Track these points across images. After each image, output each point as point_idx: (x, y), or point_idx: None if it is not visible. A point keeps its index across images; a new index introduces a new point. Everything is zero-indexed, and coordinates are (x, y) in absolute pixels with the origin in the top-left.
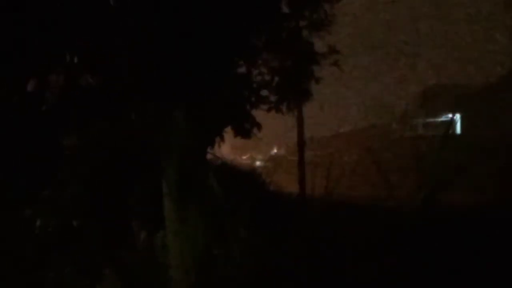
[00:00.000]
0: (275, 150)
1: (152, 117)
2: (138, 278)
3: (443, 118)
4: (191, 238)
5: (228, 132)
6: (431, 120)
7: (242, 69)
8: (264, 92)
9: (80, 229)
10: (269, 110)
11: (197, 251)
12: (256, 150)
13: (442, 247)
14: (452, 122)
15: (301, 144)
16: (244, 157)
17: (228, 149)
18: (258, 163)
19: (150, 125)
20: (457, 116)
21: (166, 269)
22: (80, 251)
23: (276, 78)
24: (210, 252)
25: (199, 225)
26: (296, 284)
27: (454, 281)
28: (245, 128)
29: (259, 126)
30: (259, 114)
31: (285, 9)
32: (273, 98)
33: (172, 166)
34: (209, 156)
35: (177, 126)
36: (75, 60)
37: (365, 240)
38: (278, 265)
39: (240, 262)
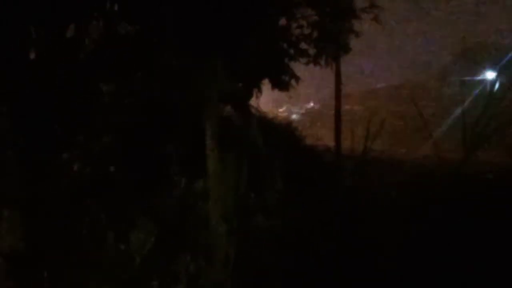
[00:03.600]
0: (311, 104)
1: (193, 65)
2: (175, 226)
3: (481, 77)
4: (231, 185)
5: (266, 84)
6: (469, 78)
7: (282, 22)
8: (303, 45)
9: (116, 176)
10: (307, 63)
11: (237, 199)
12: (293, 103)
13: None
14: (495, 82)
15: (338, 98)
16: (280, 110)
17: (265, 101)
18: (294, 116)
19: (191, 72)
20: (495, 76)
21: (205, 217)
22: (115, 198)
23: (315, 32)
24: (248, 201)
25: (240, 173)
26: (325, 238)
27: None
28: (283, 80)
29: (297, 78)
30: (297, 67)
31: None
32: (311, 51)
33: (214, 113)
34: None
35: (217, 73)
36: (115, 7)
37: (400, 199)
38: (310, 219)
39: (275, 212)
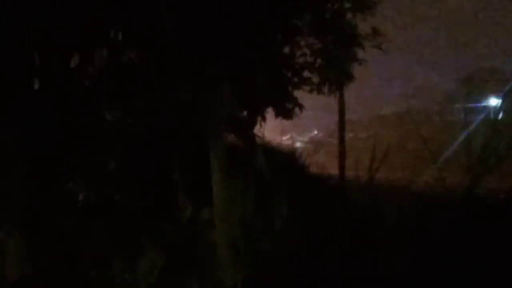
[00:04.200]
0: (315, 132)
1: (199, 91)
2: (182, 253)
3: (484, 104)
4: (238, 212)
5: (269, 113)
6: (473, 105)
7: (286, 50)
8: (306, 73)
9: (121, 203)
10: (311, 91)
11: (244, 226)
12: (297, 131)
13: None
14: (500, 108)
15: (342, 126)
16: (284, 138)
17: (269, 129)
18: (298, 144)
19: (198, 98)
20: (500, 102)
21: (212, 244)
22: (121, 225)
23: (319, 60)
24: (255, 228)
25: (246, 200)
26: (334, 261)
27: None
28: (287, 108)
29: (300, 106)
30: (300, 95)
31: None
32: (315, 79)
33: (220, 140)
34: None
35: (224, 100)
36: (119, 36)
37: (405, 223)
38: (317, 245)
39: (283, 238)
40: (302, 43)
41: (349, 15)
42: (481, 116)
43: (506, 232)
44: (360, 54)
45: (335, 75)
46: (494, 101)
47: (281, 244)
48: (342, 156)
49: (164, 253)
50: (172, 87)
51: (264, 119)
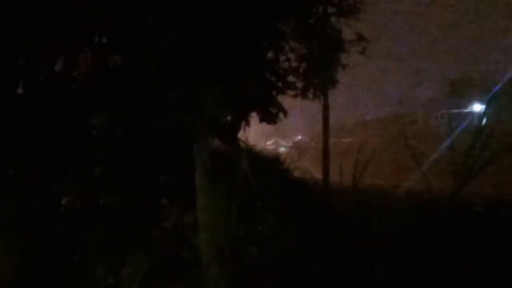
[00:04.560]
0: (299, 137)
1: (187, 96)
2: (166, 258)
3: (468, 110)
4: (222, 216)
5: (253, 117)
6: (456, 111)
7: (270, 55)
8: (291, 78)
9: (107, 208)
10: (295, 96)
11: (228, 230)
12: (281, 136)
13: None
14: (484, 114)
15: (326, 131)
16: (268, 143)
17: (253, 134)
18: (282, 149)
19: (185, 103)
20: (483, 108)
21: (197, 249)
22: (106, 230)
23: (303, 65)
24: (239, 232)
25: (231, 205)
26: (319, 267)
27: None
28: (271, 113)
29: (284, 111)
30: (284, 100)
31: None
32: (299, 84)
33: (205, 145)
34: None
35: (209, 103)
36: (104, 40)
37: (390, 228)
38: (302, 250)
39: (267, 243)
40: (287, 47)
41: (333, 20)
42: (465, 122)
43: (490, 237)
44: (344, 59)
45: (320, 80)
46: (478, 107)
47: (266, 249)
48: (325, 162)
49: (149, 257)
50: (159, 91)
51: (248, 123)
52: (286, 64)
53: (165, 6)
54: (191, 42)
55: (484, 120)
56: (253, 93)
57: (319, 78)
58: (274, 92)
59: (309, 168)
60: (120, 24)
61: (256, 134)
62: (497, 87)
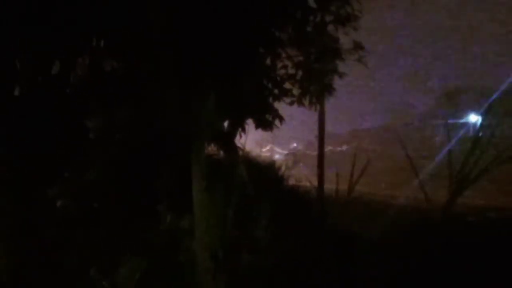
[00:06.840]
0: (294, 144)
1: (184, 101)
2: (161, 262)
3: (464, 120)
4: (218, 221)
5: (250, 124)
6: (452, 121)
7: (267, 62)
8: (287, 85)
9: (101, 212)
10: (291, 103)
11: (223, 235)
12: (276, 143)
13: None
14: (481, 125)
15: (321, 139)
16: (264, 150)
17: (248, 141)
18: (277, 156)
19: (182, 108)
20: (479, 119)
21: (192, 253)
22: (100, 233)
23: (300, 72)
24: (235, 238)
25: (226, 210)
26: (314, 272)
27: None
28: (267, 120)
29: (280, 118)
30: (281, 107)
31: (312, 3)
32: (295, 91)
33: (202, 149)
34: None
35: (208, 110)
36: (101, 44)
37: (381, 236)
38: (297, 255)
39: (262, 248)
40: (284, 54)
41: (331, 28)
42: (461, 133)
43: (484, 248)
44: (341, 67)
45: (316, 88)
46: (473, 118)
47: (261, 254)
48: (320, 169)
49: (143, 260)
50: (156, 96)
51: (244, 130)
52: (282, 71)
53: (164, 11)
54: (188, 45)
55: (481, 132)
56: (249, 99)
57: (315, 86)
58: (270, 99)
59: (304, 175)
60: (118, 27)
61: (252, 141)
62: (492, 98)
